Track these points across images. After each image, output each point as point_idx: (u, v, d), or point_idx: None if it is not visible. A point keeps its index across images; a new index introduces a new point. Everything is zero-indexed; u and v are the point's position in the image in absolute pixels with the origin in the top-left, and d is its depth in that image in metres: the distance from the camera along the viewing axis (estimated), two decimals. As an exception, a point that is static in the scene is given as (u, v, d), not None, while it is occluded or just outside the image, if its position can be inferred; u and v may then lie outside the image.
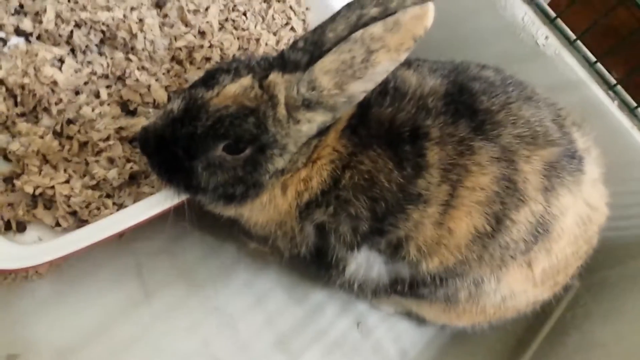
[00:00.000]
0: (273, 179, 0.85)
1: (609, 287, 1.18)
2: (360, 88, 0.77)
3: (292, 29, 1.20)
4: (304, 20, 1.22)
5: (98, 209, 0.90)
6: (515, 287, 0.93)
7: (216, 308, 1.03)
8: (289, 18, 1.20)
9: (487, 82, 0.90)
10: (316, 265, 0.97)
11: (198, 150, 0.81)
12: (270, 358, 1.02)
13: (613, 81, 1.11)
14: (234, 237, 1.03)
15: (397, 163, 0.83)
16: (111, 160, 0.94)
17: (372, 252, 0.91)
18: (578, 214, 0.89)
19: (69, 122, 0.95)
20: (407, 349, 1.14)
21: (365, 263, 0.93)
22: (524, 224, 0.85)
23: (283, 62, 0.82)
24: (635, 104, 1.11)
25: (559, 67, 1.11)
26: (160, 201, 0.85)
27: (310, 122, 0.80)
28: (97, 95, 1.00)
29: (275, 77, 0.79)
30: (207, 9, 1.12)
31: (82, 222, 0.91)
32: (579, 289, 1.21)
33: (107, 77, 1.02)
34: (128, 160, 0.95)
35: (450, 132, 0.83)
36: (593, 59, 1.12)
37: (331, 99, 0.77)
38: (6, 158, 0.93)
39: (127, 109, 1.01)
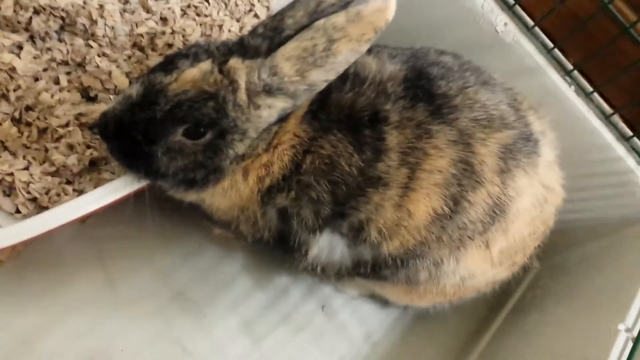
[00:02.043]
0: (234, 165, 0.85)
1: (567, 268, 1.21)
2: (322, 77, 0.78)
3: (256, 15, 1.20)
4: (267, 7, 1.22)
5: (58, 195, 0.89)
6: (474, 268, 0.95)
7: (180, 293, 1.03)
8: (252, 5, 1.20)
9: (445, 68, 0.91)
10: (280, 249, 0.98)
11: (157, 135, 0.80)
12: (235, 341, 1.03)
13: (570, 67, 1.14)
14: (197, 223, 1.03)
15: (357, 147, 0.84)
16: (71, 147, 0.93)
17: (334, 236, 0.92)
18: (534, 195, 0.91)
19: (28, 108, 0.94)
20: (371, 330, 1.16)
21: (328, 246, 0.94)
22: (481, 205, 0.87)
23: (243, 48, 0.82)
24: (591, 89, 1.14)
25: (517, 53, 1.13)
26: (120, 187, 0.84)
27: (271, 108, 0.81)
28: (57, 82, 0.98)
29: (235, 62, 0.79)
30: (169, -5, 1.11)
31: (42, 209, 0.90)
32: (539, 270, 1.24)
33: (67, 63, 1.00)
34: (88, 147, 0.94)
35: (408, 116, 0.85)
36: (550, 45, 1.14)
37: (292, 85, 0.78)
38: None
39: (88, 96, 1.00)
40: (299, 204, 0.88)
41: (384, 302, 1.15)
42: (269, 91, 0.79)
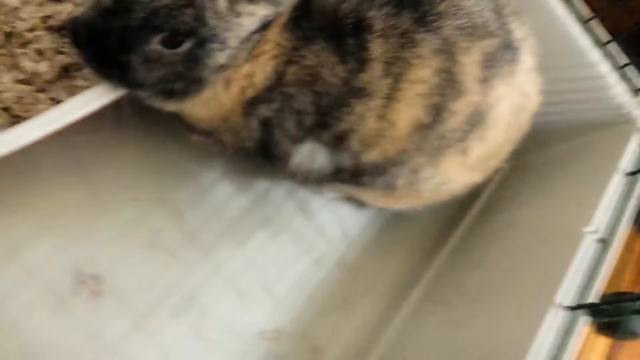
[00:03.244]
0: (214, 75, 0.82)
1: (535, 169, 1.25)
2: None
3: None
4: None
5: (32, 104, 0.85)
6: (451, 173, 0.97)
7: (162, 200, 1.03)
8: None
9: None
10: (261, 157, 0.98)
11: (133, 44, 0.76)
12: (218, 245, 1.05)
13: (551, -33, 1.10)
14: (176, 131, 1.01)
15: (341, 57, 0.82)
16: (40, 53, 0.88)
17: (316, 144, 0.92)
18: (512, 102, 0.92)
19: (-10, 11, 0.87)
20: (348, 229, 1.20)
21: (309, 155, 0.94)
22: (462, 114, 0.87)
23: None
24: (571, -8, 1.11)
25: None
26: (98, 96, 0.81)
27: (252, 16, 0.77)
28: (18, -20, 0.91)
29: None
30: None
31: (16, 118, 0.86)
32: (508, 171, 1.28)
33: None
34: (59, 52, 0.89)
35: (393, 24, 0.82)
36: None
37: None
38: None
39: (52, -6, 0.93)
40: (282, 115, 0.87)
41: (360, 204, 1.18)
42: None
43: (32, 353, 0.88)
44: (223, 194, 1.09)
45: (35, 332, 0.88)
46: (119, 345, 0.93)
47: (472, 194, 1.11)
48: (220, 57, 0.80)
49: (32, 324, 0.88)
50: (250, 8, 0.76)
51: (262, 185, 1.13)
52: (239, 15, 0.76)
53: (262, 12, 0.77)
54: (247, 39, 0.80)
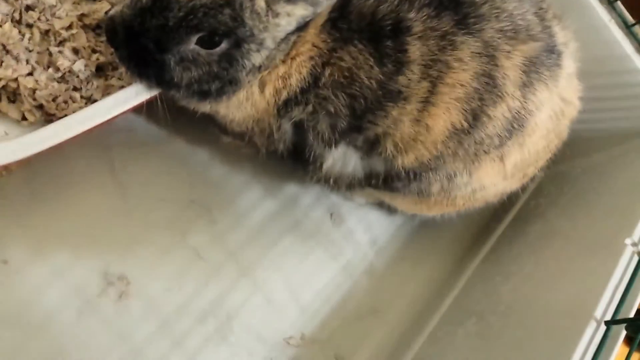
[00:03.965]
0: (250, 76, 0.82)
1: (572, 178, 1.22)
2: None
3: None
4: None
5: (66, 102, 0.86)
6: (486, 180, 0.95)
7: (192, 201, 1.03)
8: None
9: None
10: (293, 161, 0.97)
11: (170, 43, 0.77)
12: (245, 249, 1.05)
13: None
14: (207, 133, 1.01)
15: (378, 59, 0.81)
16: (76, 51, 0.88)
17: (349, 148, 0.92)
18: (552, 108, 0.91)
19: (28, 8, 0.88)
20: (377, 236, 1.19)
21: (342, 159, 0.94)
22: (500, 120, 0.86)
23: None
24: (614, -4, 1.09)
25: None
26: (132, 95, 0.81)
27: (290, 16, 0.77)
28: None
29: None
30: None
31: (49, 116, 0.87)
32: (543, 179, 1.25)
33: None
34: (94, 51, 0.90)
35: (433, 26, 0.81)
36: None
37: None
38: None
39: (88, -7, 0.94)
40: (316, 117, 0.86)
41: (390, 210, 1.17)
42: None
43: (58, 352, 0.88)
44: (252, 197, 1.09)
45: (62, 332, 0.89)
46: (144, 348, 0.93)
47: (506, 202, 1.10)
48: (257, 58, 0.80)
49: (60, 324, 0.89)
50: (288, 8, 0.76)
51: (291, 189, 1.13)
52: (276, 15, 0.76)
53: (300, 12, 0.77)
54: (284, 39, 0.80)
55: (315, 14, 0.79)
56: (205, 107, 0.89)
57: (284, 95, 0.85)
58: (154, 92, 0.84)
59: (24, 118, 0.86)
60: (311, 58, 0.82)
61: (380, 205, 1.16)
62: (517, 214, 1.25)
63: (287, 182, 1.13)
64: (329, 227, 1.15)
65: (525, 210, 1.25)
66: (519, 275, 1.06)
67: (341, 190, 1.08)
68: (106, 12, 0.88)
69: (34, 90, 0.84)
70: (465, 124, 0.84)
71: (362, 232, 1.17)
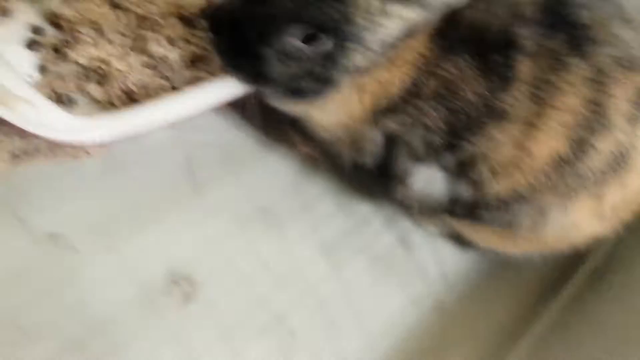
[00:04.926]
0: (350, 78, 0.80)
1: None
2: None
3: None
4: None
5: (155, 90, 0.86)
6: (581, 219, 0.90)
7: (263, 209, 1.01)
8: None
9: None
10: (376, 177, 0.94)
11: (273, 35, 0.75)
12: (315, 264, 1.02)
13: None
14: (286, 138, 0.99)
15: (485, 74, 0.79)
16: (171, 40, 0.88)
17: (437, 168, 0.88)
18: (660, 147, 0.85)
19: (124, -8, 0.89)
20: (448, 270, 1.14)
21: (429, 179, 0.90)
22: (605, 154, 0.81)
23: None
24: None
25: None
26: (222, 91, 0.80)
27: (401, 19, 0.75)
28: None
29: None
30: None
31: (135, 102, 0.86)
32: (635, 225, 1.19)
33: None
34: (188, 42, 0.89)
35: (544, 45, 0.79)
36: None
37: None
38: (56, 25, 0.87)
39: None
40: (411, 130, 0.83)
41: (464, 244, 1.12)
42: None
43: (113, 352, 0.86)
44: (323, 211, 1.06)
45: (120, 330, 0.87)
46: (202, 355, 0.90)
47: (592, 245, 1.03)
48: (360, 60, 0.78)
49: (119, 321, 0.87)
50: (402, 10, 0.74)
51: (363, 208, 1.10)
52: (388, 16, 0.74)
53: (412, 15, 0.75)
54: (391, 43, 0.78)
55: (426, 19, 0.76)
56: (297, 108, 0.88)
57: (383, 102, 0.83)
58: (244, 90, 0.83)
59: (110, 102, 0.86)
60: (415, 66, 0.80)
61: (454, 236, 1.11)
62: (603, 259, 1.18)
63: (359, 200, 1.10)
64: (400, 255, 1.10)
65: (614, 256, 1.17)
66: (605, 328, 1.00)
67: (418, 215, 1.04)
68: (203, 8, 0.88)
69: (125, 74, 0.84)
70: (570, 154, 0.80)
71: (433, 264, 1.12)
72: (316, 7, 0.72)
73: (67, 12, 0.85)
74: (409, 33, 0.77)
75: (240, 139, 1.02)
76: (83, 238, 0.88)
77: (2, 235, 0.85)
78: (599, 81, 0.78)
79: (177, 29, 0.88)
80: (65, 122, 0.76)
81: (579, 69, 0.78)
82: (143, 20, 0.88)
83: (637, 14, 0.88)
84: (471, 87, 0.79)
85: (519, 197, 0.86)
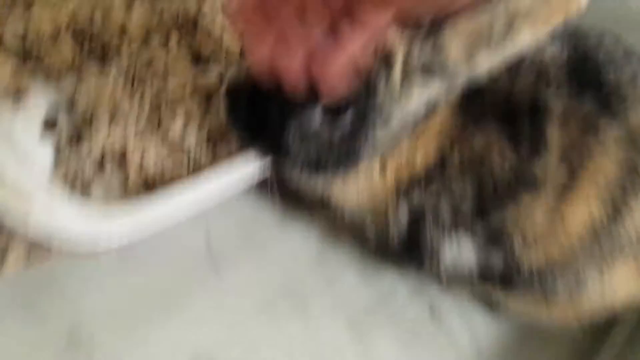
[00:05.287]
0: (372, 152, 0.78)
1: None
2: (488, 60, 0.70)
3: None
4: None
5: (172, 170, 0.83)
6: (618, 284, 0.86)
7: (287, 287, 0.98)
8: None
9: (610, 52, 0.82)
10: (402, 251, 0.91)
11: (295, 108, 0.73)
12: (340, 342, 0.97)
13: None
14: (306, 213, 0.99)
15: (513, 140, 0.77)
16: (187, 117, 0.87)
17: (466, 238, 0.84)
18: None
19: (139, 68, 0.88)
20: (480, 340, 1.08)
21: (459, 250, 0.86)
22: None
23: None
24: None
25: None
26: (244, 172, 0.78)
27: (423, 90, 0.73)
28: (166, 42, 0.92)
29: (393, 32, 0.71)
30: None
31: (151, 184, 0.84)
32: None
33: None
34: (205, 119, 0.88)
35: (574, 106, 0.77)
36: None
37: (454, 66, 0.70)
38: (71, 107, 0.85)
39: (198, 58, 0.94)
40: (438, 203, 0.80)
41: (496, 308, 1.07)
42: (427, 70, 0.71)
43: None
44: (348, 284, 1.03)
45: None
46: None
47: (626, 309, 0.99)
48: (382, 132, 0.76)
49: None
50: (424, 81, 0.72)
51: (388, 277, 1.06)
52: (411, 88, 0.72)
53: (435, 86, 0.73)
54: (413, 117, 0.76)
55: (450, 89, 0.75)
56: (317, 185, 0.85)
57: (406, 175, 0.80)
58: (267, 171, 0.80)
59: (126, 185, 0.84)
60: (439, 136, 0.78)
61: (485, 298, 1.07)
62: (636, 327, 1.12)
63: (382, 269, 1.06)
64: (428, 324, 1.06)
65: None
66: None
67: (448, 284, 1.00)
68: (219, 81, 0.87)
69: (141, 156, 0.82)
70: (605, 217, 0.77)
71: (464, 332, 1.07)
72: (339, 80, 0.71)
73: (82, 93, 0.83)
74: (432, 106, 0.76)
75: (260, 217, 1.01)
76: (104, 329, 0.86)
77: (22, 332, 0.83)
78: (631, 140, 0.76)
79: (194, 108, 0.87)
80: (81, 222, 0.73)
81: (610, 129, 0.76)
82: (159, 101, 0.87)
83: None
84: (499, 154, 0.77)
85: (553, 265, 0.83)
